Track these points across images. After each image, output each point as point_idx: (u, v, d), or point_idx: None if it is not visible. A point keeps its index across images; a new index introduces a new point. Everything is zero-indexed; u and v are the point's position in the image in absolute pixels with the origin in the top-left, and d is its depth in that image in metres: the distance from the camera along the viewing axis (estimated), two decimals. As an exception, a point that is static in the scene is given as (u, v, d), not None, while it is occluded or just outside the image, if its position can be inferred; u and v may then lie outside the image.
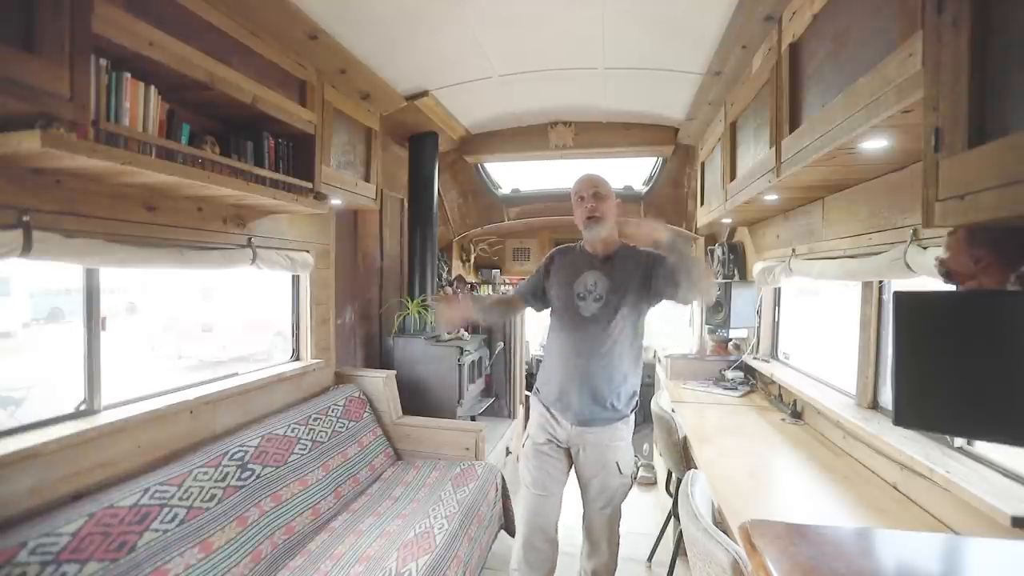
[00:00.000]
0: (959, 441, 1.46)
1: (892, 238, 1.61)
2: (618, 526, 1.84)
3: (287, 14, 1.84)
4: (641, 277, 1.74)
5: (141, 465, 1.62)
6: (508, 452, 3.30)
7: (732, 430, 2.29)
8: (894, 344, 1.04)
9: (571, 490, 1.86)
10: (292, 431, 2.12)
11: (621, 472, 1.78)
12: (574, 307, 1.77)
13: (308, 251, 2.47)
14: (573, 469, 1.85)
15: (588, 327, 1.74)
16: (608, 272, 1.77)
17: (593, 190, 1.76)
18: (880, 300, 1.96)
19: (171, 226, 1.74)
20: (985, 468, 1.35)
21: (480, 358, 3.44)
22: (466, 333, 3.26)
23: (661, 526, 2.55)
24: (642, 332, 1.81)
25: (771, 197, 2.12)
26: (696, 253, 3.91)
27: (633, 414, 1.83)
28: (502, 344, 3.70)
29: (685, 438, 2.24)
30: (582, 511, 1.86)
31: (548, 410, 1.83)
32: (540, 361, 1.94)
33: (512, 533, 2.52)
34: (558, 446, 1.82)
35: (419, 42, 2.25)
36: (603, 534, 1.81)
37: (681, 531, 1.55)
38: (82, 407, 1.58)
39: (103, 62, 1.30)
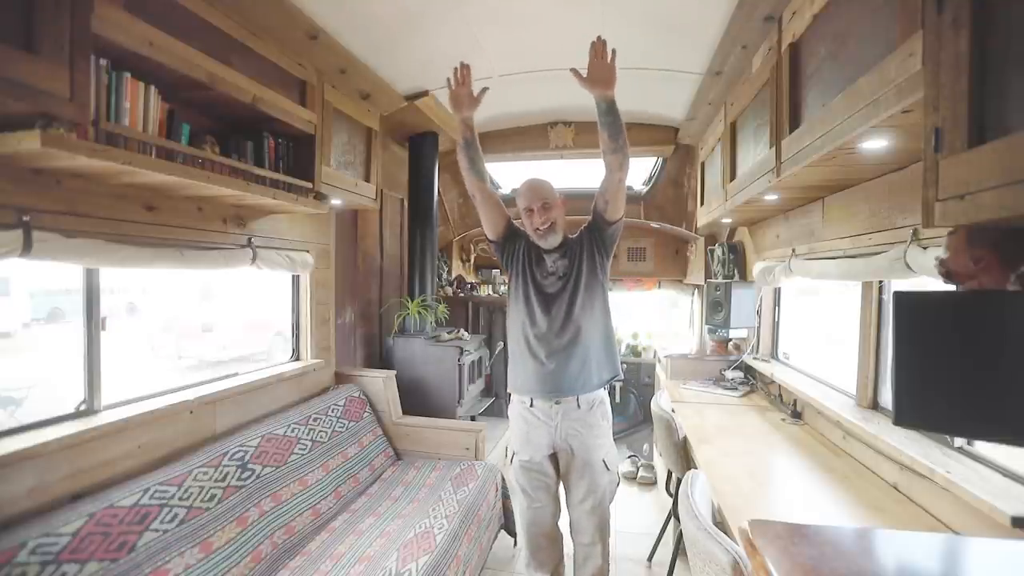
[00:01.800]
0: (959, 441, 1.45)
1: (892, 238, 1.60)
2: (608, 527, 1.81)
3: (287, 14, 1.84)
4: (587, 238, 1.79)
5: (141, 465, 1.62)
6: (508, 452, 3.30)
7: (732, 430, 2.29)
8: (894, 344, 1.04)
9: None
10: (292, 431, 2.12)
11: (608, 468, 1.77)
12: (539, 285, 1.79)
13: (308, 251, 2.47)
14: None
15: (555, 301, 1.76)
16: (563, 254, 1.80)
17: (541, 202, 1.74)
18: (880, 300, 1.96)
19: (171, 226, 1.74)
20: (985, 468, 1.35)
21: (480, 358, 3.44)
22: (466, 333, 3.26)
23: (661, 526, 2.55)
24: (607, 301, 1.82)
25: (771, 197, 2.12)
26: (696, 250, 3.91)
27: (606, 391, 1.83)
28: (502, 344, 3.70)
29: (685, 438, 2.24)
30: (569, 517, 1.82)
31: (529, 402, 1.79)
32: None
33: (512, 533, 2.52)
34: (545, 455, 1.80)
35: (419, 42, 2.25)
36: (595, 537, 1.78)
37: (681, 531, 1.55)
38: (82, 407, 1.58)
39: (103, 62, 1.30)
